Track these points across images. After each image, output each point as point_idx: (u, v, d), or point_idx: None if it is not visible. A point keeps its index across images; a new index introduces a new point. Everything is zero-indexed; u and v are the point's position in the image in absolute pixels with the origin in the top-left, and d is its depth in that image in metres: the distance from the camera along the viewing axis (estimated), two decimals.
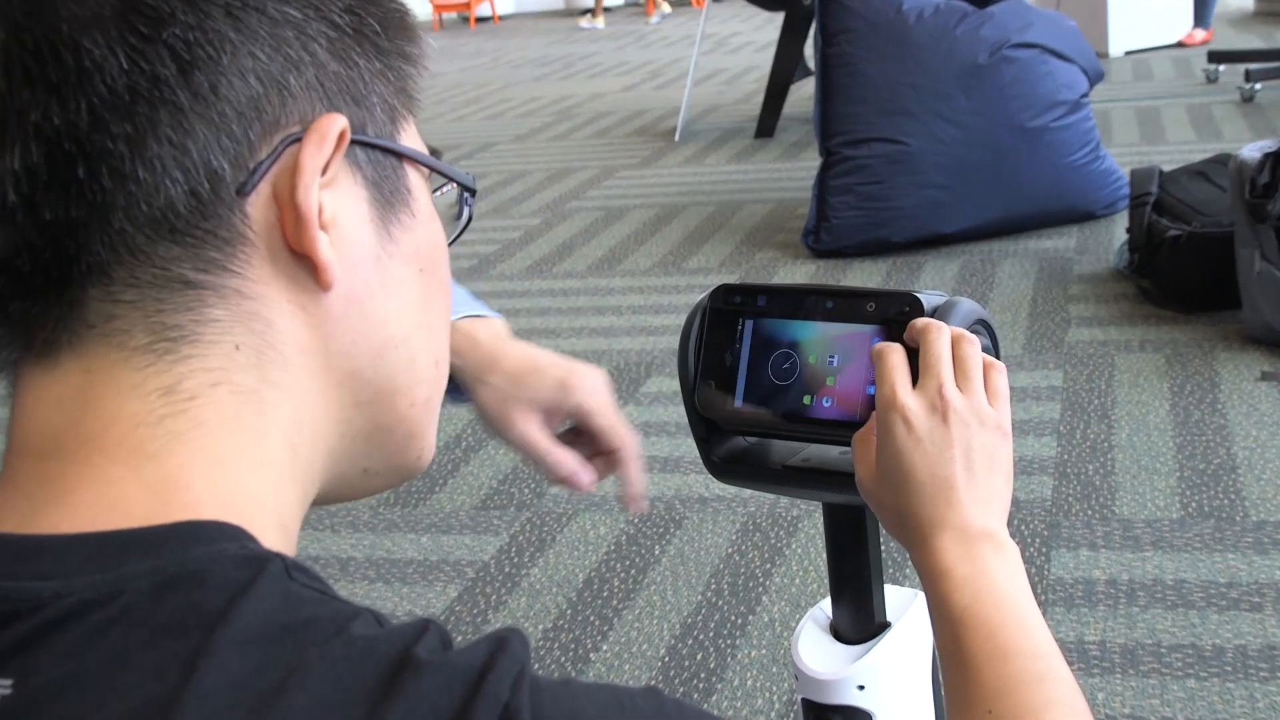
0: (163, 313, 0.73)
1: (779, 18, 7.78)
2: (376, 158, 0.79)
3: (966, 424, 1.13)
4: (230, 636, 0.64)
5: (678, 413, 3.87)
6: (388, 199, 0.80)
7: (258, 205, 0.74)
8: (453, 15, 17.68)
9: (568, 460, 1.35)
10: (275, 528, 0.74)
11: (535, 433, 1.36)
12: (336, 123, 0.75)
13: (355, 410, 0.81)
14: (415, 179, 0.83)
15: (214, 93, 0.72)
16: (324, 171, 0.75)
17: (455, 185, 0.89)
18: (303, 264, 0.75)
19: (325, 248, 0.75)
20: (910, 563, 2.95)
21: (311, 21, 0.75)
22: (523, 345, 1.40)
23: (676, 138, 7.87)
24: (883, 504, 1.14)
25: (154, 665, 0.63)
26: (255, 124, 0.73)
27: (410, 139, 0.83)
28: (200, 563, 0.67)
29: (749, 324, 1.31)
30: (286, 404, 0.76)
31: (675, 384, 4.13)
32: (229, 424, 0.73)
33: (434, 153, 0.86)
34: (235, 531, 0.70)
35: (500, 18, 17.53)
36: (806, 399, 1.26)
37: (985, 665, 1.01)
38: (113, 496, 0.70)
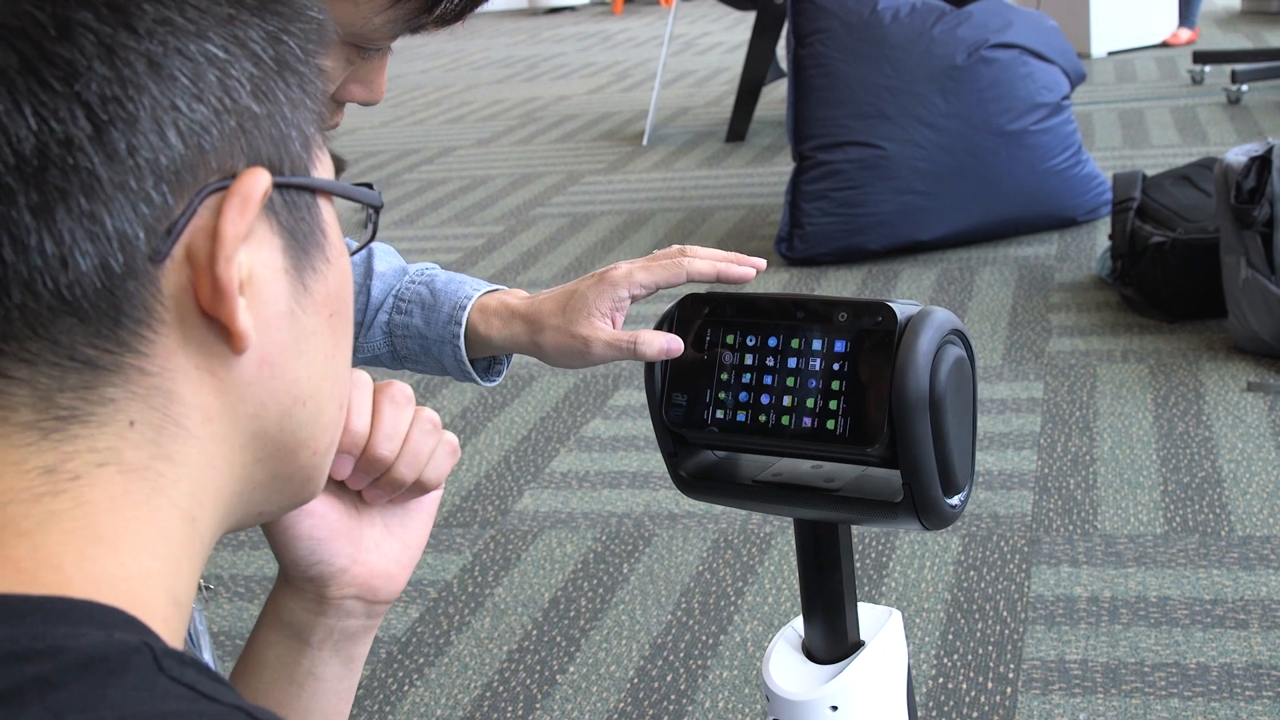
0: (57, 392, 0.68)
1: (750, 17, 7.74)
2: (291, 197, 0.75)
3: None
4: None
5: (646, 427, 3.82)
6: (303, 245, 0.76)
7: (170, 270, 0.70)
8: None
9: (653, 335, 1.36)
10: (166, 603, 0.70)
11: (611, 332, 1.42)
12: (260, 181, 0.70)
13: (256, 466, 0.78)
14: (326, 210, 0.79)
15: (131, 154, 0.67)
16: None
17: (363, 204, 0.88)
18: (214, 328, 0.72)
19: (243, 314, 0.71)
20: (886, 579, 2.94)
21: (235, 60, 0.71)
22: (543, 292, 1.49)
23: (644, 142, 7.81)
24: None
25: None
26: (174, 183, 0.69)
27: (323, 165, 0.79)
28: (59, 640, 0.62)
29: (718, 335, 1.32)
30: (185, 479, 0.72)
31: (643, 397, 4.13)
32: (115, 503, 0.69)
33: (337, 161, 0.82)
34: (107, 616, 0.66)
35: None
36: (777, 411, 1.26)
37: None
38: None
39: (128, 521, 0.69)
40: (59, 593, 0.65)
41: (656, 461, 3.62)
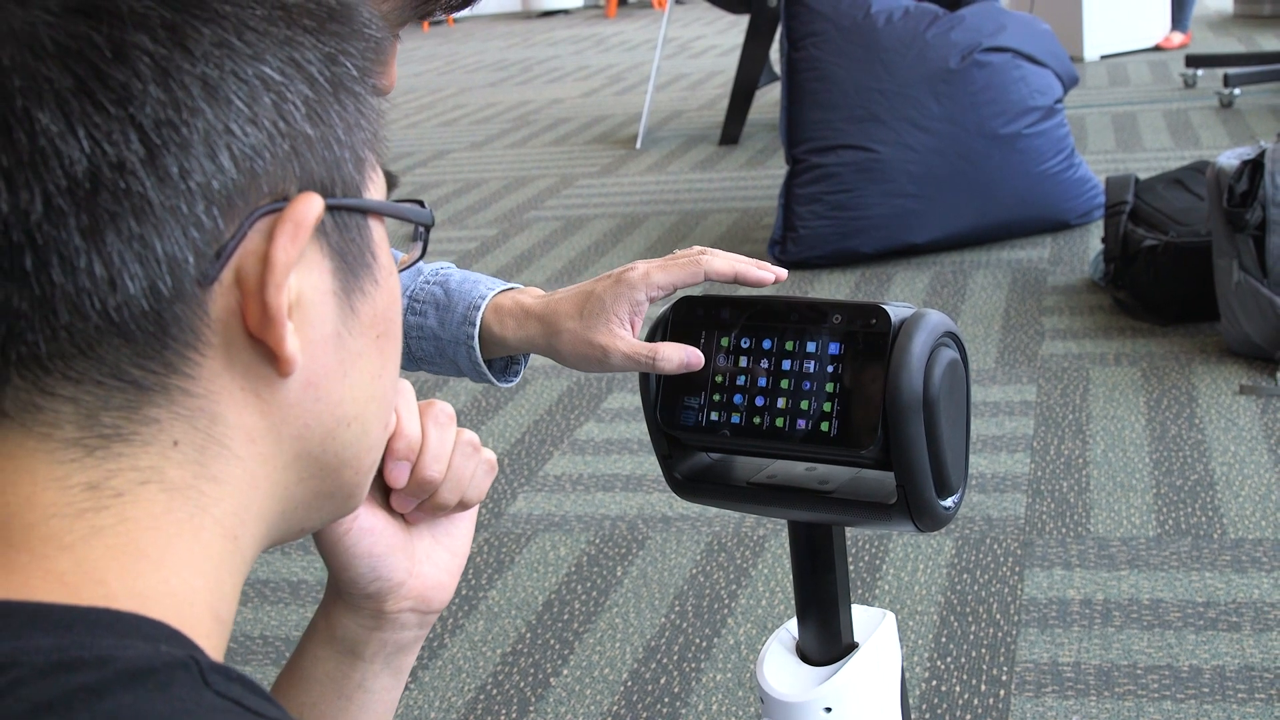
0: (102, 410, 0.68)
1: (744, 21, 7.74)
2: (343, 219, 0.75)
3: None
4: None
5: (640, 429, 3.82)
6: (352, 268, 0.76)
7: (219, 293, 0.69)
8: None
9: (672, 349, 1.34)
10: (209, 620, 0.71)
11: (629, 343, 1.38)
12: (313, 207, 0.70)
13: (299, 486, 0.78)
14: (377, 230, 0.79)
15: (184, 179, 0.67)
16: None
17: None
18: (260, 350, 0.71)
19: (291, 338, 0.71)
20: (880, 582, 2.94)
21: (291, 82, 0.71)
22: (560, 291, 1.45)
23: (638, 145, 7.80)
24: None
25: None
26: (225, 207, 0.68)
27: (375, 185, 0.79)
28: (107, 650, 0.62)
29: (713, 337, 1.32)
30: (229, 498, 0.72)
31: (637, 400, 4.13)
32: (158, 520, 0.69)
33: (389, 178, 0.81)
34: (153, 630, 0.66)
35: (454, 20, 17.40)
36: (771, 414, 1.26)
37: None
38: (14, 583, 0.66)
39: (170, 539, 0.69)
40: (104, 605, 0.65)
41: (650, 464, 3.62)
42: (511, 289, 1.50)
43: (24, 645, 0.62)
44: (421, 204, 0.87)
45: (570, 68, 11.64)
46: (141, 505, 0.69)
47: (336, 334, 0.75)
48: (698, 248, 1.43)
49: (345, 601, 1.00)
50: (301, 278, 0.72)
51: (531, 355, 1.54)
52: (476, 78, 11.53)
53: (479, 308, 1.48)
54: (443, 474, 0.99)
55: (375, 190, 0.79)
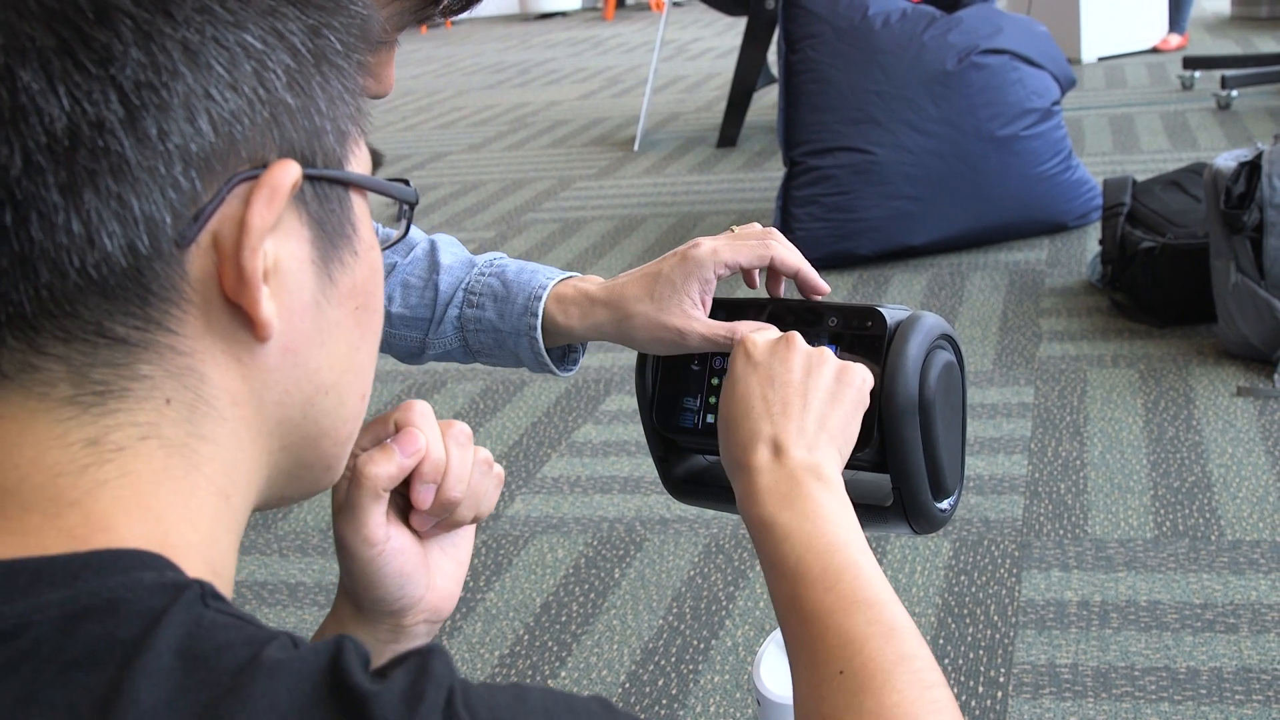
0: (90, 367, 0.70)
1: (741, 23, 7.73)
2: (323, 190, 0.76)
3: (808, 357, 1.14)
4: (143, 668, 0.62)
5: (637, 432, 3.82)
6: (330, 238, 0.77)
7: (196, 255, 0.71)
8: None
9: (752, 327, 1.33)
10: (206, 573, 0.71)
11: (706, 324, 1.36)
12: (289, 173, 0.71)
13: (282, 453, 0.80)
14: (359, 204, 0.80)
15: (162, 140, 0.68)
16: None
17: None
18: (238, 315, 0.73)
19: (266, 302, 0.73)
20: None
21: (272, 51, 0.72)
22: (623, 275, 1.43)
23: (636, 147, 7.80)
24: (723, 441, 1.15)
25: (65, 702, 0.61)
26: (204, 170, 0.70)
27: (358, 160, 0.80)
28: (114, 591, 0.65)
29: None
30: (219, 457, 0.74)
31: (634, 402, 4.10)
32: (158, 475, 0.71)
33: (375, 156, 0.82)
34: (154, 560, 0.68)
35: (452, 22, 17.34)
36: None
37: (829, 620, 0.99)
38: (28, 545, 0.67)
39: (170, 494, 0.71)
40: (108, 547, 0.67)
41: (648, 466, 3.61)
42: (571, 277, 1.48)
43: (35, 602, 0.64)
44: (406, 182, 0.88)
45: (568, 70, 11.64)
46: (142, 459, 0.70)
47: (315, 302, 0.76)
48: (760, 227, 1.41)
49: (363, 618, 1.02)
50: (279, 244, 0.73)
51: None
52: (474, 80, 11.52)
53: (540, 298, 1.45)
54: (464, 494, 1.01)
55: (358, 165, 0.80)
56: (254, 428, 0.76)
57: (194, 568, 0.70)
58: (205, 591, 0.67)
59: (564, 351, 1.54)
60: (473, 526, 1.08)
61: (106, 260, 0.68)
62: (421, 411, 1.00)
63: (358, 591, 1.01)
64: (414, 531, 1.03)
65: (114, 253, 0.68)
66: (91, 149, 0.66)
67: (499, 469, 1.06)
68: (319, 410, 0.80)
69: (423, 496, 0.99)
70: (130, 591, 0.65)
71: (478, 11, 17.64)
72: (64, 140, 0.66)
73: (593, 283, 1.46)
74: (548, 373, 1.51)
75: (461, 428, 1.02)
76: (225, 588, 0.73)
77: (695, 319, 1.36)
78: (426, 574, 1.03)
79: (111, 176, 0.67)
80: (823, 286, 1.37)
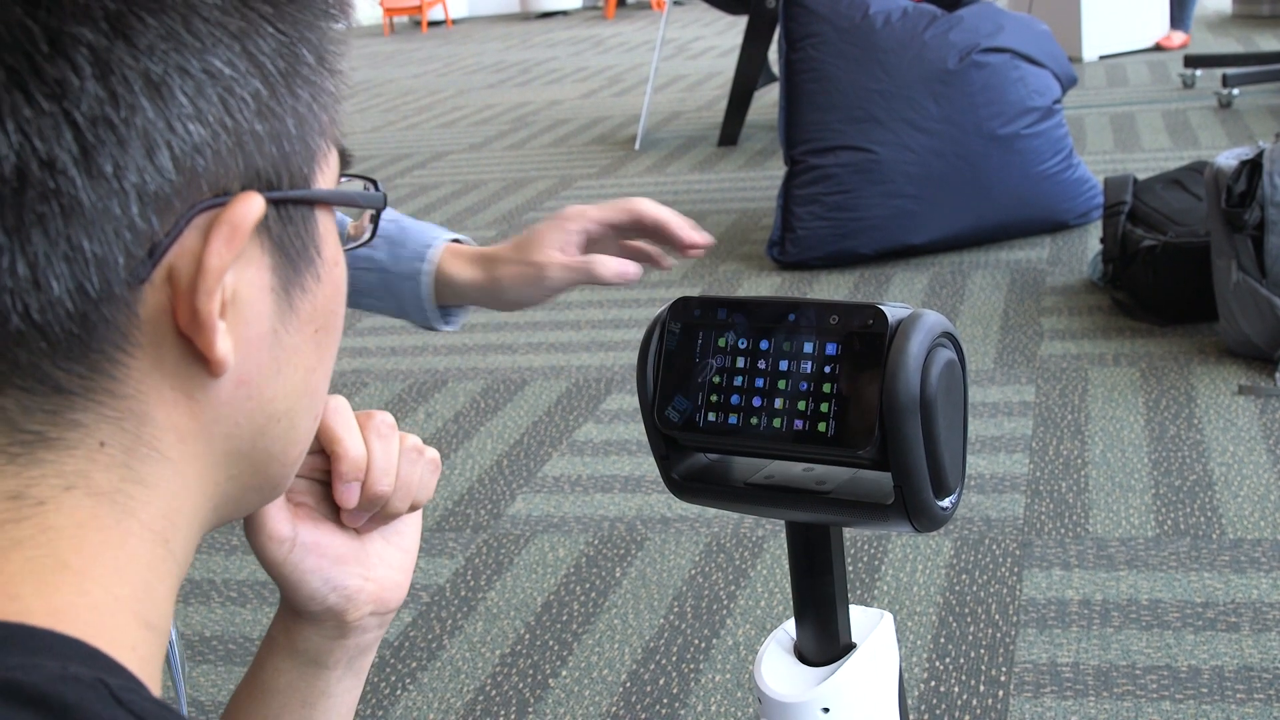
0: (24, 415, 0.65)
1: (742, 22, 7.73)
2: (287, 212, 0.71)
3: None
4: None
5: (637, 430, 3.82)
6: (293, 263, 0.72)
7: (149, 292, 0.66)
8: (404, 19, 17.58)
9: (607, 258, 1.44)
10: (135, 629, 0.67)
11: (567, 258, 1.46)
12: (252, 208, 0.67)
13: (229, 483, 0.75)
14: (324, 221, 0.75)
15: (118, 178, 0.63)
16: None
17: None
18: (190, 350, 0.68)
19: (222, 339, 0.68)
20: (878, 582, 2.94)
21: (242, 77, 0.67)
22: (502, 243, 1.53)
23: (637, 146, 7.80)
24: None
25: None
26: (161, 208, 0.65)
27: (326, 171, 0.75)
28: (10, 670, 0.58)
29: (710, 338, 1.30)
30: (157, 501, 0.69)
31: (635, 401, 4.12)
32: (83, 528, 0.66)
33: (343, 156, 0.78)
34: (66, 648, 0.62)
35: (453, 21, 17.37)
36: (768, 414, 1.25)
37: None
38: None
39: (96, 547, 0.66)
40: (17, 620, 0.62)
41: (648, 465, 3.62)
42: (466, 241, 1.58)
43: None
44: (375, 184, 0.84)
45: (569, 69, 11.64)
46: (65, 513, 0.66)
47: (273, 330, 0.72)
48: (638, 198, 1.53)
49: (306, 617, 0.98)
50: (239, 274, 0.69)
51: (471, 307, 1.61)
52: (475, 79, 11.53)
53: (433, 245, 1.54)
54: (392, 486, 0.97)
55: (327, 176, 0.75)
56: (202, 461, 0.72)
57: (121, 624, 0.66)
58: (112, 690, 0.60)
59: (445, 311, 1.61)
60: (417, 513, 1.04)
61: (52, 305, 0.63)
62: (335, 409, 0.95)
63: (286, 592, 0.97)
64: (347, 526, 0.99)
65: (60, 296, 0.63)
66: (41, 190, 0.62)
67: (432, 453, 1.01)
68: (269, 438, 0.76)
69: (346, 496, 0.95)
70: (26, 674, 0.59)
71: (479, 10, 17.65)
72: (11, 181, 0.61)
73: (468, 247, 1.56)
74: (425, 322, 1.57)
75: (383, 418, 0.97)
76: (159, 640, 0.69)
77: (555, 255, 1.47)
78: (361, 565, 0.98)
79: (62, 218, 0.62)
80: (695, 237, 1.49)
